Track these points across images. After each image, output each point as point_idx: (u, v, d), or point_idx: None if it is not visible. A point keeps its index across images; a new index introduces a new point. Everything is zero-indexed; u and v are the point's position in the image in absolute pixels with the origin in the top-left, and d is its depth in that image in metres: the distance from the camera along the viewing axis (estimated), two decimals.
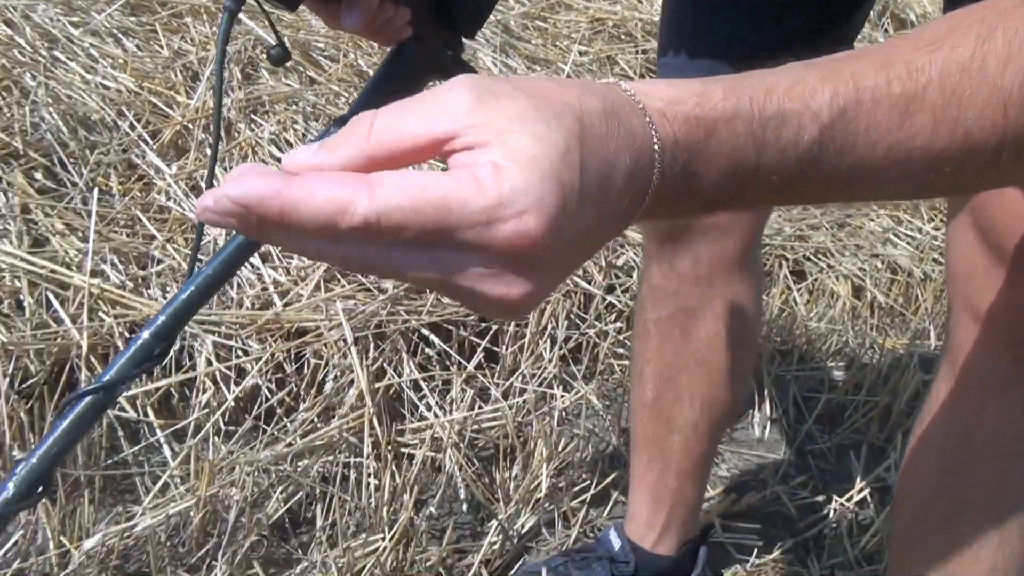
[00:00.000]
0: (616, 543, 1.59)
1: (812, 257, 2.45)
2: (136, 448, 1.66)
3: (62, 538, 1.46)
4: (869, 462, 2.02)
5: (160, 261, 1.92)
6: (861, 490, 1.93)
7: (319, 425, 1.73)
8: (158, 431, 1.68)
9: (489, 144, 0.46)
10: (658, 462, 1.54)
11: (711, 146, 0.54)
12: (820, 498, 1.95)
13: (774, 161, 0.56)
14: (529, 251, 0.46)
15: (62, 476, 1.56)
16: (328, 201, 0.44)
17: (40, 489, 0.84)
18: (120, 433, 1.67)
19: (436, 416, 1.79)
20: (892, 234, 2.58)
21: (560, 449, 1.84)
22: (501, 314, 0.50)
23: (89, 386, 0.80)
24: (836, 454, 2.09)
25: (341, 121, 0.79)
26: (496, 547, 1.64)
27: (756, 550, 1.78)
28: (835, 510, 1.90)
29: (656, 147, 0.52)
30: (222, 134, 2.19)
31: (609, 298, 2.13)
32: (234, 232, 0.84)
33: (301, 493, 1.64)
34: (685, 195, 0.55)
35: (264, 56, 2.37)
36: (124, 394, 1.67)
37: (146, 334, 0.81)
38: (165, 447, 1.67)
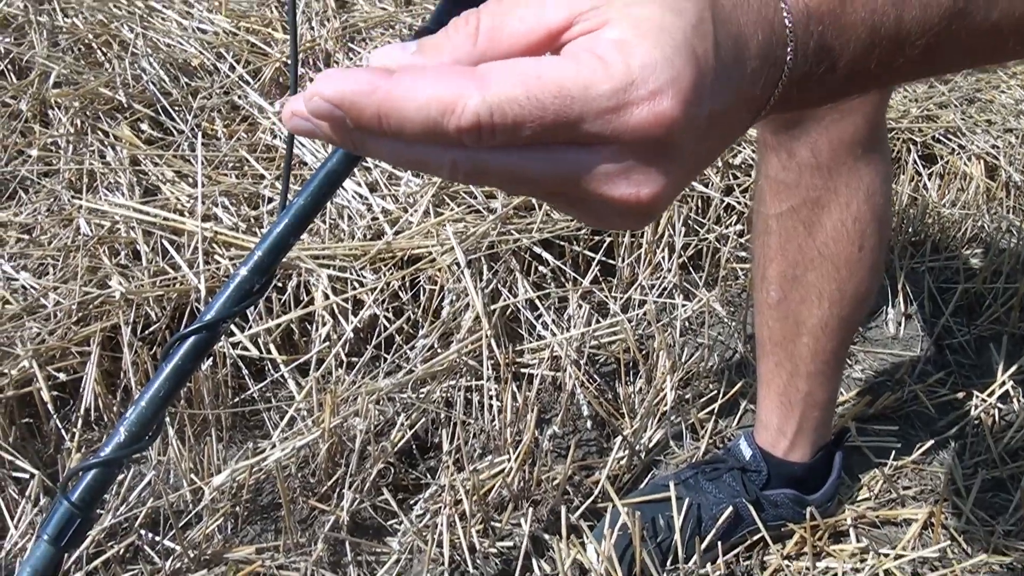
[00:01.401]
0: (747, 452, 1.55)
1: (942, 139, 2.31)
2: (262, 385, 1.69)
3: (193, 476, 1.50)
4: (1011, 353, 1.91)
5: (271, 200, 1.93)
6: (1003, 384, 1.83)
7: (439, 350, 1.72)
8: (282, 367, 1.70)
9: (611, 21, 0.40)
10: (787, 365, 1.48)
11: (847, 13, 0.47)
12: (960, 395, 1.86)
13: (916, 22, 0.49)
14: (666, 136, 0.41)
15: (190, 417, 1.60)
16: (433, 98, 0.39)
17: (151, 432, 0.85)
18: (245, 372, 1.69)
19: (554, 334, 1.76)
20: None
21: (684, 360, 1.80)
22: (627, 222, 0.44)
23: (190, 327, 0.79)
24: (976, 347, 1.98)
25: (422, 32, 0.75)
26: (623, 462, 1.62)
27: (894, 452, 1.71)
28: (976, 406, 1.81)
29: (788, 20, 0.46)
30: (321, 63, 2.18)
31: (728, 200, 2.05)
32: (326, 157, 0.81)
33: (425, 419, 1.65)
34: (820, 75, 0.49)
35: None
36: (246, 333, 1.70)
37: (243, 270, 0.80)
38: (290, 382, 1.69)
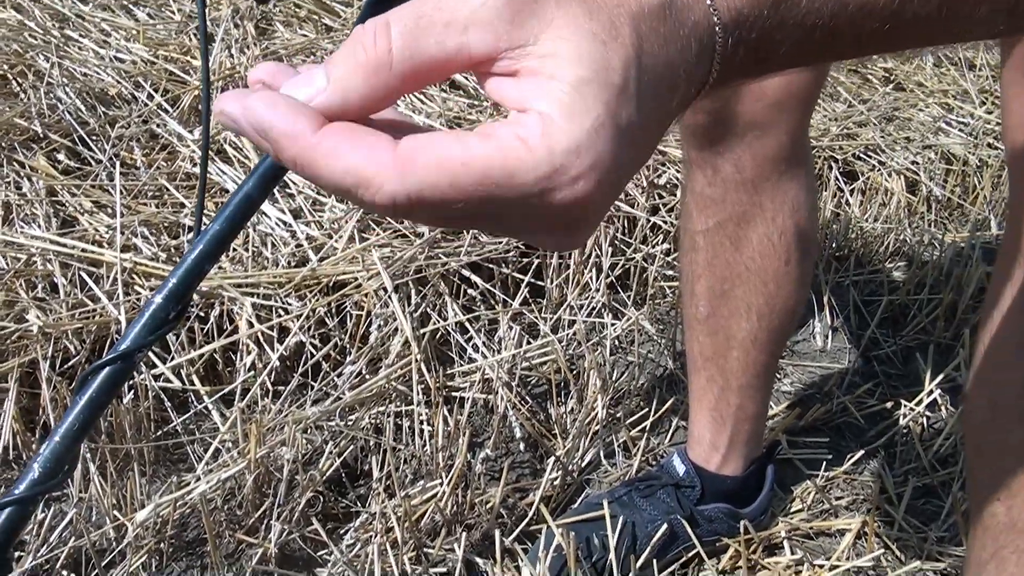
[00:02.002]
0: (680, 468, 1.54)
1: (862, 156, 2.35)
2: (185, 417, 1.65)
3: (116, 513, 1.45)
4: (937, 363, 1.94)
5: (191, 228, 1.89)
6: (931, 392, 1.85)
7: (367, 376, 1.69)
8: (205, 398, 1.65)
9: (536, 74, 0.40)
10: (718, 380, 1.48)
11: (782, 12, 0.46)
12: (888, 404, 1.88)
13: (858, 10, 0.47)
14: (583, 211, 0.41)
15: (112, 452, 1.55)
16: (351, 170, 0.39)
17: (66, 467, 0.81)
18: (168, 404, 1.65)
19: (484, 357, 1.75)
20: (943, 123, 2.47)
21: (615, 379, 1.79)
22: (558, 249, 0.46)
23: (104, 358, 0.76)
24: (902, 358, 2.01)
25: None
26: (556, 483, 1.60)
27: (825, 463, 1.72)
28: (905, 415, 1.83)
29: (718, 35, 0.45)
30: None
31: (654, 219, 2.06)
32: (242, 181, 0.79)
33: (354, 446, 1.62)
34: (749, 74, 0.48)
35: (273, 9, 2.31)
36: (168, 364, 1.65)
37: (158, 298, 0.77)
38: (214, 413, 1.65)
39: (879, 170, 2.33)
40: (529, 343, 1.81)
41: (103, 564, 1.39)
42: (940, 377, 1.89)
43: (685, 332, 1.50)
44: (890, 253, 2.23)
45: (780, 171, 1.30)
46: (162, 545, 1.45)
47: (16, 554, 1.39)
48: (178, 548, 1.46)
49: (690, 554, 1.52)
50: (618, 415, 1.75)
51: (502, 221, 0.42)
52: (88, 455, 1.52)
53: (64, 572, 1.39)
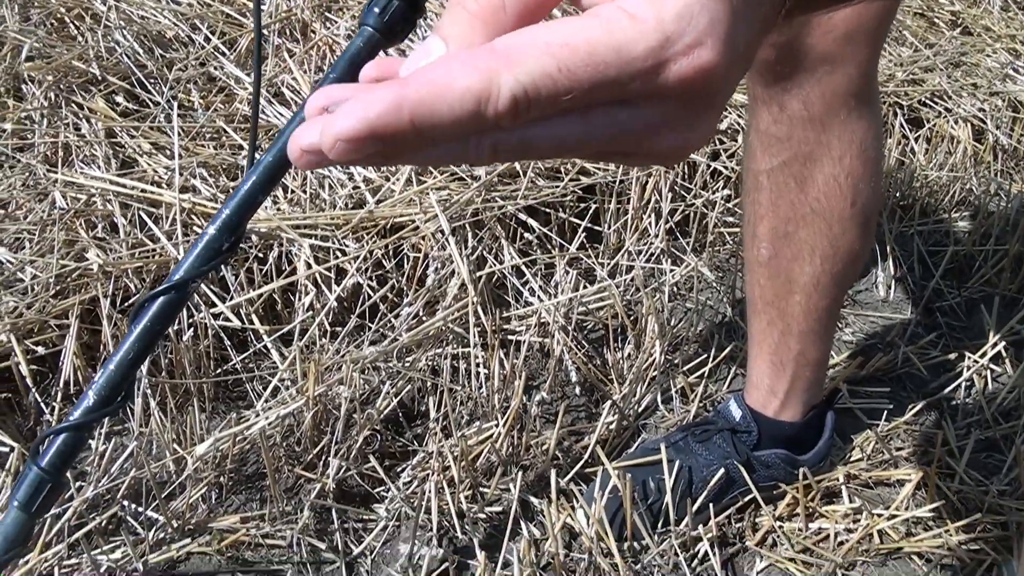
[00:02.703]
0: (737, 413, 1.53)
1: (928, 102, 2.29)
2: (244, 356, 1.66)
3: (176, 446, 1.47)
4: (1002, 315, 1.89)
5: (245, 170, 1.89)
6: (995, 345, 1.82)
7: (424, 318, 1.69)
8: (265, 337, 1.67)
9: None
10: (778, 324, 1.45)
11: None
12: (952, 356, 1.84)
13: None
14: (707, 86, 0.38)
15: (172, 388, 1.57)
16: (466, 92, 0.36)
17: (121, 395, 0.82)
18: (227, 343, 1.66)
19: (541, 300, 1.74)
20: (1011, 69, 2.40)
21: (672, 325, 1.78)
22: (667, 162, 0.42)
23: (160, 287, 0.76)
24: (966, 309, 1.97)
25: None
26: (612, 427, 1.60)
27: (886, 414, 1.69)
28: (968, 368, 1.80)
29: None
30: (298, 35, 2.14)
31: (714, 165, 2.03)
32: (294, 112, 0.78)
33: (411, 387, 1.62)
34: None
35: None
36: (228, 304, 1.67)
37: (212, 229, 0.77)
38: (273, 352, 1.66)
39: (945, 117, 2.27)
40: (586, 288, 1.79)
41: (163, 496, 1.41)
42: (1004, 329, 1.84)
43: (746, 275, 1.48)
44: (955, 203, 2.18)
45: (849, 108, 1.26)
46: (221, 479, 1.47)
47: (78, 484, 1.41)
48: (238, 482, 1.48)
49: (746, 499, 1.51)
50: (675, 361, 1.73)
51: (618, 118, 0.39)
52: (148, 391, 1.54)
53: (125, 502, 1.42)
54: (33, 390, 1.54)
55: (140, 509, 1.41)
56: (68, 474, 0.89)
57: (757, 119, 1.32)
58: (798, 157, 1.31)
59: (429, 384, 1.61)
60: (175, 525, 1.38)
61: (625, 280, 1.84)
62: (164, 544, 1.36)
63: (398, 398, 1.58)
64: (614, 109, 0.38)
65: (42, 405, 1.55)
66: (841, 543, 1.49)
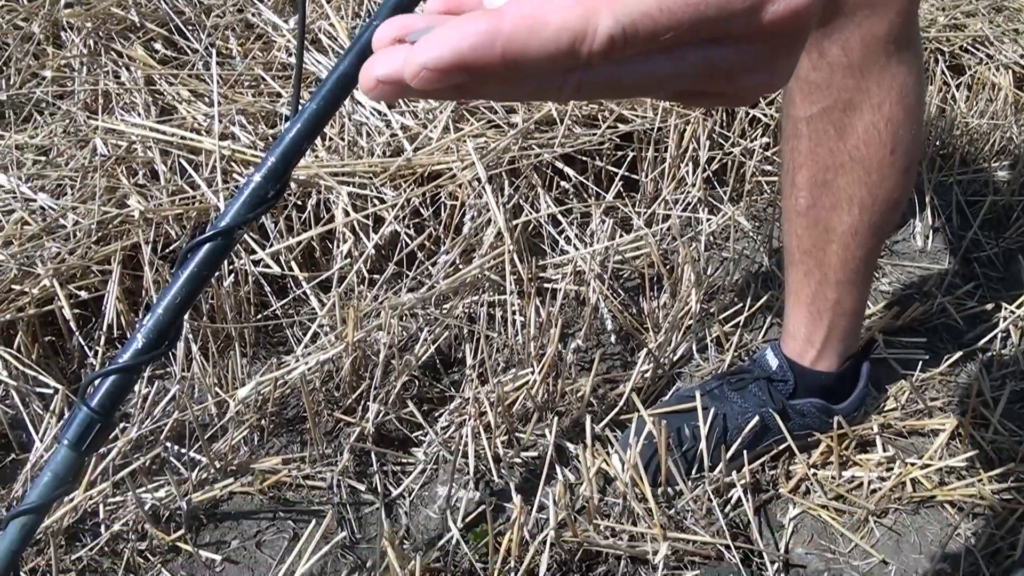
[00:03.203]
0: (774, 362, 1.53)
1: (970, 48, 2.25)
2: (284, 302, 1.68)
3: (218, 390, 1.50)
4: None
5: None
6: None
7: (460, 266, 1.71)
8: (304, 283, 1.69)
9: None
10: (816, 274, 1.45)
11: None
12: (988, 307, 1.83)
13: None
14: (800, 27, 0.38)
15: (213, 332, 1.60)
16: (562, 28, 0.35)
17: (168, 339, 0.84)
18: (267, 289, 1.68)
19: (576, 249, 1.74)
20: None
21: (709, 274, 1.78)
22: (745, 103, 0.42)
23: (204, 234, 0.78)
24: (1004, 259, 1.96)
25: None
26: (647, 375, 1.61)
27: (922, 364, 1.69)
28: (1005, 318, 1.79)
29: None
30: None
31: (753, 112, 2.01)
32: (337, 60, 0.79)
33: (448, 334, 1.64)
34: None
35: None
36: (267, 251, 1.69)
37: (257, 176, 0.78)
38: (312, 298, 1.68)
39: (987, 64, 2.23)
40: (622, 237, 1.80)
41: (206, 438, 1.44)
42: None
43: (783, 224, 1.47)
44: (996, 152, 2.15)
45: (889, 54, 1.25)
46: (263, 422, 1.49)
47: (122, 425, 1.45)
48: (279, 425, 1.51)
49: (781, 447, 1.52)
50: (711, 310, 1.74)
51: (709, 58, 0.38)
52: (190, 336, 1.57)
53: (168, 443, 1.45)
54: (77, 334, 1.58)
55: (183, 450, 1.44)
56: (116, 415, 0.91)
57: (797, 65, 1.31)
58: (837, 104, 1.30)
59: (466, 331, 1.63)
60: (217, 466, 1.41)
61: (661, 229, 1.84)
62: (207, 484, 1.40)
63: (435, 345, 1.60)
64: (706, 49, 0.38)
65: (85, 349, 1.58)
66: (874, 491, 1.50)
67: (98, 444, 0.93)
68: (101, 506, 1.35)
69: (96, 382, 0.92)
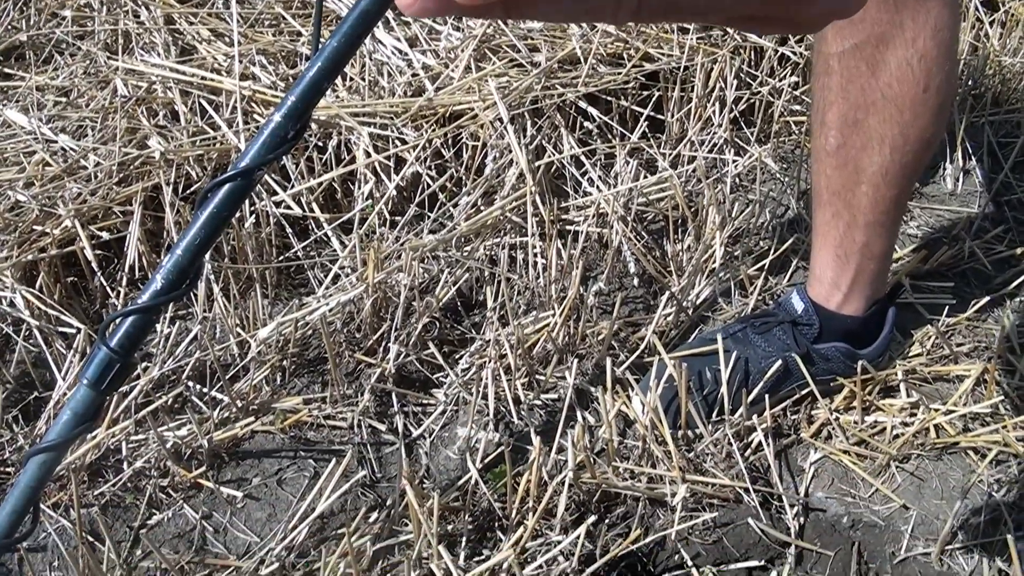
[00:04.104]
0: (799, 305, 1.51)
1: None
2: (305, 243, 1.68)
3: (239, 330, 1.50)
4: None
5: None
6: None
7: (482, 208, 1.69)
8: (325, 225, 1.68)
9: None
10: (844, 216, 1.43)
11: None
12: (1018, 251, 1.79)
13: None
14: None
15: (235, 274, 1.59)
16: None
17: (188, 279, 0.83)
18: (289, 230, 1.68)
19: (599, 191, 1.72)
20: None
21: (734, 216, 1.75)
22: (810, 30, 0.39)
23: (225, 175, 0.77)
24: None
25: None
26: (670, 319, 1.60)
27: (948, 309, 1.66)
28: None
29: None
30: None
31: (782, 50, 1.97)
32: (356, 2, 0.77)
33: (469, 276, 1.63)
34: None
35: None
36: (288, 192, 1.68)
37: (278, 116, 0.77)
38: (334, 240, 1.67)
39: (1021, 0, 2.17)
40: (646, 178, 1.77)
41: (227, 377, 1.45)
42: None
43: (812, 165, 1.44)
44: None
45: None
46: (284, 362, 1.50)
47: (144, 365, 1.45)
48: (300, 366, 1.51)
49: (804, 392, 1.51)
50: (736, 253, 1.72)
51: None
52: (212, 277, 1.57)
53: (190, 383, 1.46)
54: (98, 274, 1.58)
55: (204, 390, 1.45)
56: (135, 355, 0.91)
57: None
58: (870, 39, 1.26)
59: (487, 273, 1.62)
60: (239, 405, 1.42)
61: (687, 171, 1.82)
62: (228, 423, 1.41)
63: (456, 287, 1.59)
64: None
65: (107, 289, 1.59)
66: (896, 436, 1.48)
67: (117, 384, 0.93)
68: (124, 444, 1.36)
69: (116, 322, 0.92)
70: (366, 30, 0.82)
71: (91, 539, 1.26)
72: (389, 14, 1.88)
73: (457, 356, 1.54)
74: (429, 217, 1.71)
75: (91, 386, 0.92)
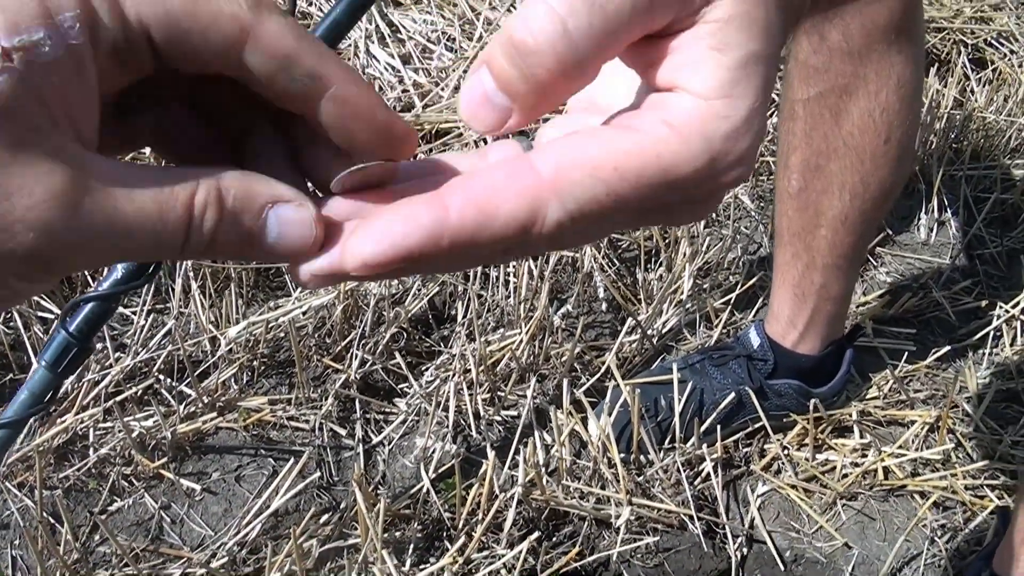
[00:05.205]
0: (756, 341, 1.55)
1: (994, 42, 2.24)
2: None
3: (212, 328, 1.54)
4: None
5: None
6: None
7: None
8: None
9: (697, 44, 0.36)
10: (803, 257, 1.47)
11: None
12: (983, 303, 1.83)
13: None
14: (732, 187, 0.38)
15: (212, 273, 1.64)
16: (510, 222, 0.34)
17: (148, 271, 0.88)
18: None
19: None
20: None
21: (705, 250, 1.79)
22: (683, 225, 0.43)
23: None
24: (1007, 259, 1.95)
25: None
26: (634, 345, 1.63)
27: (909, 355, 1.69)
28: (999, 316, 1.79)
29: None
30: None
31: None
32: (327, 12, 0.82)
33: (443, 292, 1.67)
34: None
35: None
36: None
37: None
38: None
39: (1010, 60, 2.22)
40: None
41: (196, 373, 1.49)
42: None
43: (776, 206, 1.49)
44: (1010, 149, 2.14)
45: (888, 42, 1.26)
46: (254, 363, 1.54)
47: (116, 355, 1.49)
48: (269, 367, 1.55)
49: (756, 426, 1.54)
50: (705, 286, 1.76)
51: (648, 216, 0.38)
52: (191, 273, 1.61)
53: (160, 376, 1.50)
54: None
55: (174, 384, 1.49)
56: (93, 340, 0.95)
57: (797, 48, 1.32)
58: (835, 89, 1.31)
59: (460, 289, 1.66)
60: (206, 401, 1.46)
61: None
62: (194, 417, 1.45)
63: (428, 299, 1.64)
64: (642, 216, 0.38)
65: (88, 278, 1.63)
66: (845, 475, 1.52)
67: (73, 367, 0.97)
68: (91, 430, 1.41)
69: (77, 308, 0.96)
70: (337, 39, 0.86)
71: (52, 520, 1.30)
72: (385, 31, 1.92)
73: (423, 368, 1.59)
74: None
75: (48, 367, 0.96)
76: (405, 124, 0.39)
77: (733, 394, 1.50)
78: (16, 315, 1.51)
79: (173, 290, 1.60)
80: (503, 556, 1.30)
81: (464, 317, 1.61)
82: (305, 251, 0.36)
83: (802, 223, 1.44)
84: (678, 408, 1.47)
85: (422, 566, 1.31)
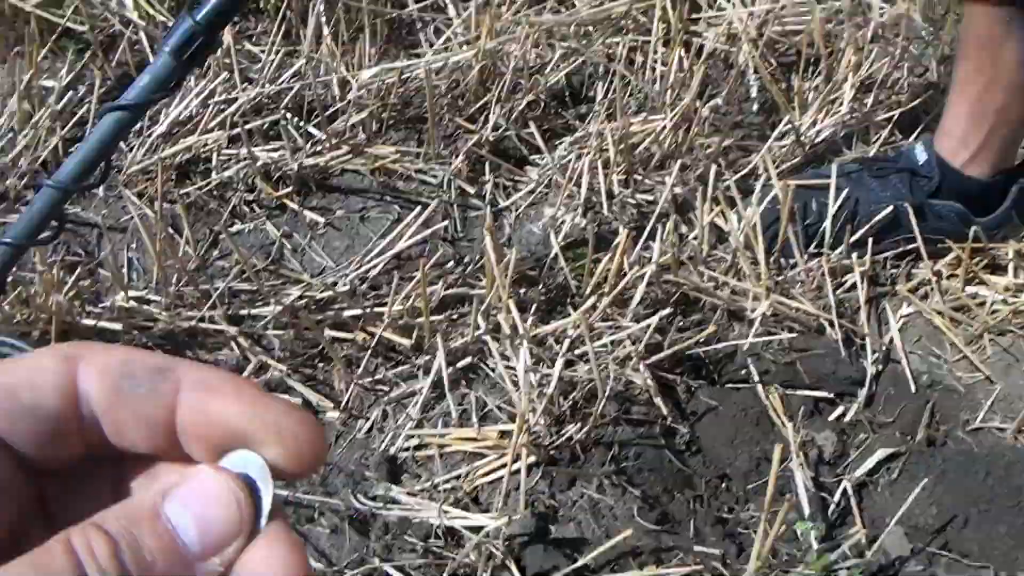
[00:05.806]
0: (921, 156, 1.43)
1: None
2: (421, 4, 1.62)
3: (343, 71, 1.46)
4: None
5: None
6: None
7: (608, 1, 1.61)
8: None
9: None
10: (987, 71, 1.33)
11: None
12: None
13: None
14: None
15: (347, 20, 1.55)
16: None
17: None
18: None
19: (735, 7, 1.63)
20: None
21: (870, 64, 1.65)
22: None
23: None
24: None
25: None
26: (784, 150, 1.52)
27: None
28: None
29: None
30: None
31: None
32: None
33: (583, 69, 1.56)
34: None
35: None
36: None
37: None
38: (451, 7, 1.61)
39: None
40: (784, 8, 1.67)
41: (326, 115, 1.42)
42: None
43: (965, 9, 1.34)
44: None
45: None
46: (383, 114, 1.46)
47: (243, 86, 1.43)
48: (399, 121, 1.48)
49: (909, 247, 1.43)
50: (865, 101, 1.62)
51: None
52: (324, 18, 1.52)
53: (288, 114, 1.43)
54: None
55: (301, 123, 1.42)
56: (219, 35, 0.91)
57: None
58: None
59: (601, 69, 1.55)
60: (333, 142, 1.39)
61: (831, 6, 1.71)
62: (320, 155, 1.38)
63: (567, 71, 1.53)
64: None
65: None
66: (995, 312, 1.41)
67: (198, 57, 0.93)
68: (215, 154, 1.35)
69: None
70: None
71: (171, 231, 1.26)
72: None
73: (557, 142, 1.49)
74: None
75: (172, 54, 0.91)
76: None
77: (891, 208, 1.39)
78: (143, 34, 1.45)
79: (304, 34, 1.52)
80: (628, 328, 1.23)
81: (605, 97, 1.51)
82: None
83: (991, 31, 1.30)
84: (832, 210, 1.36)
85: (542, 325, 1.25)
